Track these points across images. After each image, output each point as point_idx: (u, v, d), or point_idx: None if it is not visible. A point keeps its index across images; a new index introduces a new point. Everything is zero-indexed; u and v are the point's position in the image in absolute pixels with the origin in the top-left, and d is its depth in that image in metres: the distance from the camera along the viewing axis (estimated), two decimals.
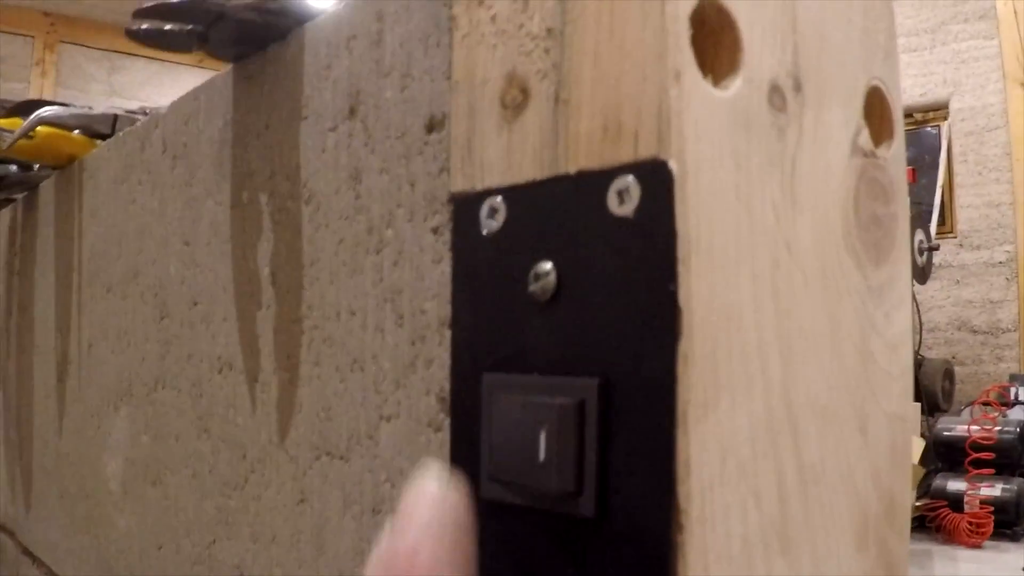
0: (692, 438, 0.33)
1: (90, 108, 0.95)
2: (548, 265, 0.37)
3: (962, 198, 4.02)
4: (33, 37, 5.69)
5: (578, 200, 0.37)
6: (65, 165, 0.97)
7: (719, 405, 0.35)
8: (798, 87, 0.41)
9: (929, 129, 3.73)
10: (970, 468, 3.08)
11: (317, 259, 0.52)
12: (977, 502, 3.03)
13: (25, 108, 0.99)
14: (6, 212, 1.20)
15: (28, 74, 5.62)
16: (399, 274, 0.46)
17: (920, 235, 3.33)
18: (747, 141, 0.38)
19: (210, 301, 0.63)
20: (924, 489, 3.11)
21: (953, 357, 3.88)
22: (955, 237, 4.03)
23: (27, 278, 1.09)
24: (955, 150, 3.99)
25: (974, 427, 3.16)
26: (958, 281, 4.00)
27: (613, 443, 0.35)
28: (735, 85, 0.37)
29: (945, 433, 3.24)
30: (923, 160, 3.75)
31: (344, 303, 0.50)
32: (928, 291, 3.93)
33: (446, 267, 0.43)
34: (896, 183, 0.49)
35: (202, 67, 4.92)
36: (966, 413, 3.34)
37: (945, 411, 3.48)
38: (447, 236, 0.43)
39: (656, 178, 0.35)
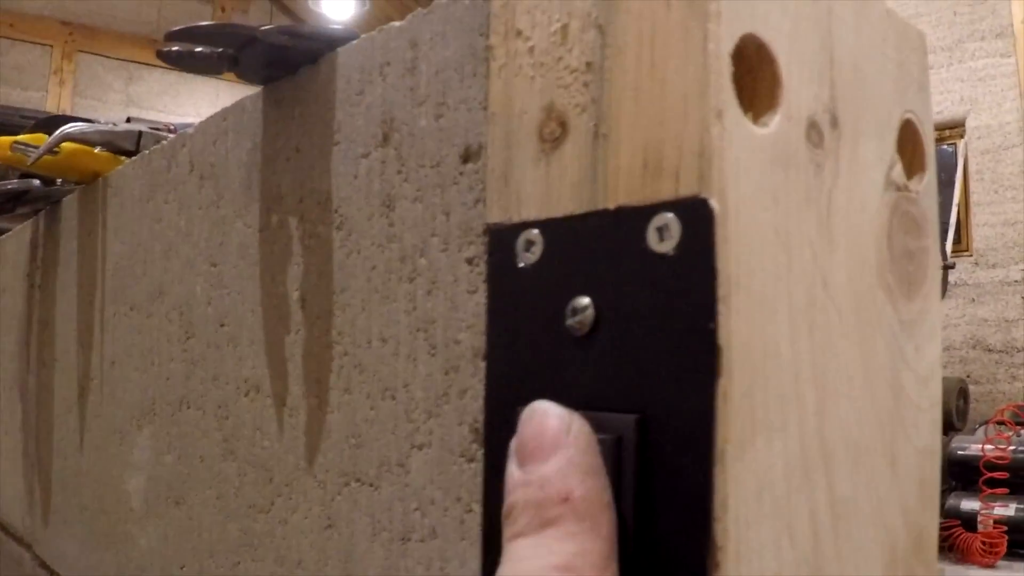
0: (729, 476, 0.33)
1: (114, 124, 0.96)
2: (586, 300, 0.37)
3: (978, 216, 4.01)
4: (51, 46, 5.72)
5: (617, 235, 0.37)
6: (89, 181, 0.97)
7: (756, 442, 0.35)
8: (835, 122, 0.41)
9: (945, 147, 3.72)
10: (984, 487, 3.07)
11: (348, 285, 0.52)
12: (991, 522, 3.02)
13: (49, 124, 1.00)
14: (27, 226, 1.21)
15: (46, 83, 5.65)
16: (432, 303, 0.46)
17: None
18: (785, 178, 0.38)
19: (237, 323, 0.63)
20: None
21: (968, 376, 3.87)
22: (971, 255, 4.02)
23: (48, 292, 1.09)
24: (971, 168, 3.98)
25: (988, 446, 3.15)
26: (973, 300, 3.99)
27: (650, 480, 0.35)
28: (774, 121, 0.38)
29: (959, 452, 3.23)
30: (939, 178, 3.75)
31: (376, 330, 0.50)
32: (943, 309, 3.92)
33: (481, 298, 0.43)
34: (928, 216, 0.49)
35: (219, 78, 4.94)
36: (980, 432, 3.33)
37: (959, 430, 3.46)
38: (482, 267, 0.43)
39: (697, 216, 0.35)
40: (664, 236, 0.35)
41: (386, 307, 0.49)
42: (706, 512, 0.34)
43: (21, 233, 1.23)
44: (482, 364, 0.42)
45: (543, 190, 0.40)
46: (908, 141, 0.47)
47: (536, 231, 0.40)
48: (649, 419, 0.35)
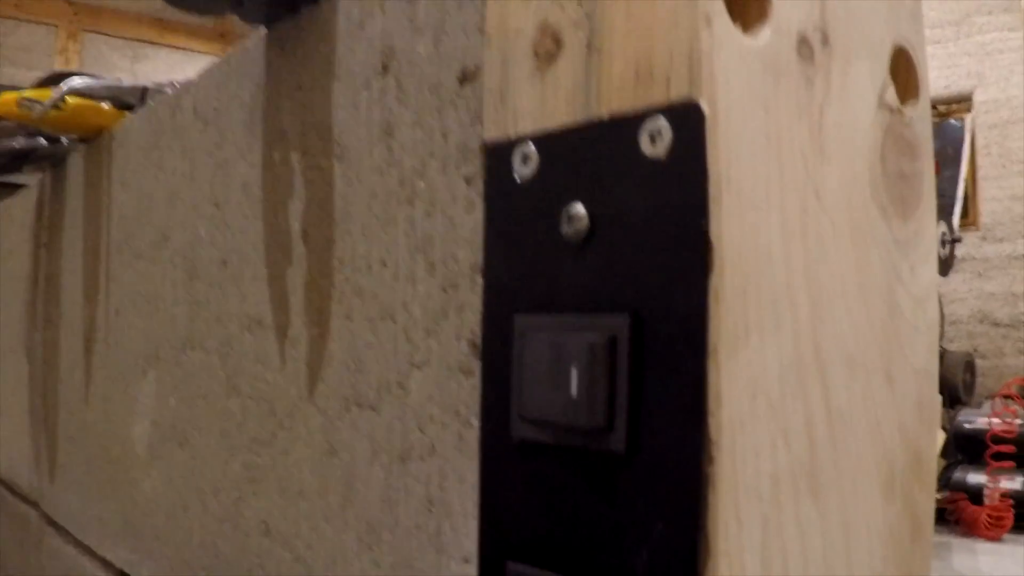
0: (723, 372, 0.34)
1: (120, 80, 0.96)
2: (581, 208, 0.38)
3: (985, 191, 3.99)
4: (56, 26, 5.71)
5: (610, 144, 0.38)
6: (94, 137, 0.98)
7: (749, 342, 0.35)
8: (825, 40, 0.42)
9: (953, 121, 3.70)
10: (990, 461, 3.06)
11: (349, 214, 0.53)
12: (997, 495, 3.02)
13: (55, 79, 1.00)
14: (33, 187, 1.21)
15: (51, 63, 5.64)
16: (431, 224, 0.47)
17: (943, 227, 3.32)
18: (776, 88, 0.38)
19: (240, 261, 0.64)
20: (944, 481, 3.09)
21: (975, 350, 3.86)
22: (978, 230, 4.00)
23: (55, 251, 1.10)
24: (979, 143, 3.97)
25: (995, 420, 3.14)
26: (980, 274, 3.98)
27: (644, 378, 0.36)
28: (764, 34, 0.38)
29: (966, 426, 3.22)
30: (946, 152, 3.73)
31: (376, 255, 0.50)
32: (950, 284, 3.90)
33: (479, 215, 0.43)
34: (922, 141, 0.49)
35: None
36: (987, 406, 3.32)
37: (966, 404, 3.46)
38: (479, 185, 0.44)
39: (688, 119, 0.35)
40: (656, 140, 0.36)
41: (386, 231, 0.50)
42: (700, 408, 0.34)
43: (27, 195, 1.24)
44: (480, 279, 0.43)
45: (538, 105, 0.41)
46: (901, 67, 0.47)
47: (532, 145, 0.41)
48: (643, 319, 0.36)
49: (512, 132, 0.41)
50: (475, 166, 0.44)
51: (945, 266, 3.53)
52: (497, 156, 0.42)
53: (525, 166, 0.41)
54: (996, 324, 3.95)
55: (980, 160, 3.96)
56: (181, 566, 0.73)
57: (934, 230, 0.50)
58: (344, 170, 0.53)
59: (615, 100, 0.37)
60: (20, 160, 1.11)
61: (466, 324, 0.44)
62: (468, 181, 0.45)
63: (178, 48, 5.61)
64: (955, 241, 3.42)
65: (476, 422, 0.43)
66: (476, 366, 0.43)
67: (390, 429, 0.49)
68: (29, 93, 0.98)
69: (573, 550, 0.38)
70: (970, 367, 3.52)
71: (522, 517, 0.40)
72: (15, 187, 1.30)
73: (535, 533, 0.40)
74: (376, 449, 0.50)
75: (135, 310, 0.82)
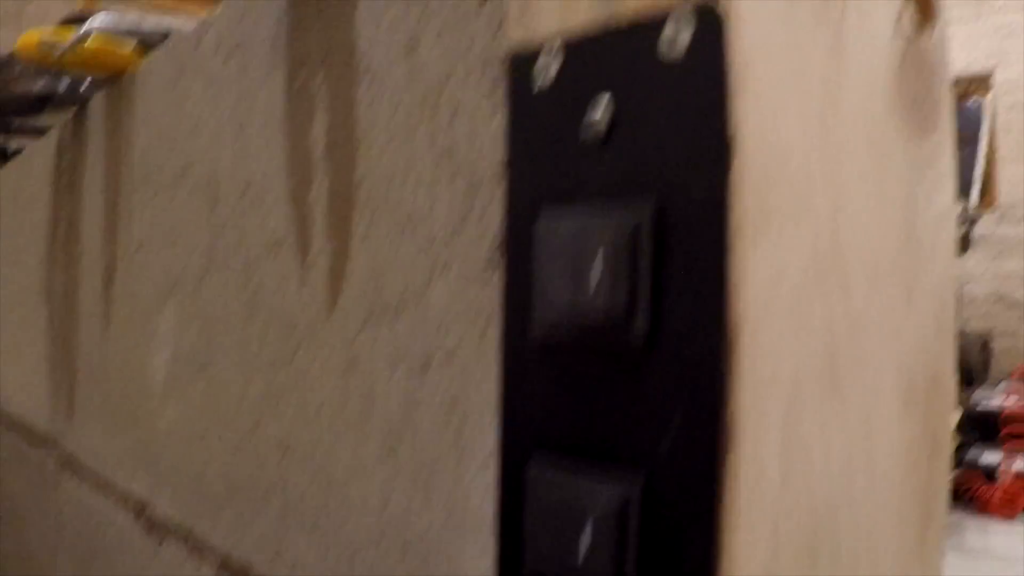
0: (745, 259, 0.35)
1: (143, 19, 0.97)
2: (601, 109, 0.38)
3: (1004, 171, 3.98)
4: None
5: (630, 46, 0.38)
6: (116, 78, 0.98)
7: (770, 232, 0.36)
8: None
9: (972, 102, 3.69)
10: (1005, 441, 3.07)
11: (372, 130, 0.53)
12: (1011, 475, 3.02)
13: (77, 19, 1.01)
14: (54, 132, 1.22)
15: None
16: (454, 133, 0.47)
17: (960, 206, 3.31)
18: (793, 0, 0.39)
19: (262, 185, 0.64)
20: (958, 461, 3.10)
21: (990, 330, 3.86)
22: (996, 210, 3.99)
23: (75, 193, 1.10)
24: (998, 123, 3.95)
25: (1010, 400, 3.15)
26: (997, 255, 3.98)
27: (666, 266, 0.36)
28: None
29: (980, 405, 3.23)
30: (965, 133, 3.72)
31: (399, 167, 0.51)
32: (967, 264, 3.90)
33: (501, 120, 0.44)
34: (938, 68, 0.49)
35: None
36: (1002, 386, 3.32)
37: (981, 384, 3.46)
38: (502, 91, 0.44)
39: (706, 20, 0.36)
40: (675, 42, 0.36)
41: (409, 143, 0.50)
42: (722, 295, 0.35)
43: (47, 141, 1.25)
44: (502, 183, 0.44)
45: (559, 10, 0.41)
46: None
47: (553, 49, 0.41)
48: (665, 210, 0.36)
49: (534, 36, 0.42)
50: (497, 73, 0.45)
51: (962, 245, 3.52)
52: (519, 61, 0.43)
53: (547, 69, 0.41)
54: (1013, 305, 3.94)
55: (999, 140, 3.95)
56: (200, 491, 0.74)
57: (950, 160, 0.50)
58: (367, 88, 0.54)
59: (634, 3, 0.38)
60: (42, 103, 1.12)
61: (489, 228, 0.45)
62: (491, 88, 0.45)
63: (197, 14, 5.59)
64: (972, 221, 3.42)
65: (497, 325, 0.44)
66: (498, 268, 0.44)
67: (411, 338, 0.49)
68: (50, 33, 0.98)
69: (593, 444, 0.39)
70: (986, 347, 3.52)
71: (543, 415, 0.41)
72: (38, 131, 1.30)
73: (555, 431, 0.40)
74: (396, 359, 0.50)
75: (155, 244, 0.83)
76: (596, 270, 0.37)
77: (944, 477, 0.48)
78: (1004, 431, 3.08)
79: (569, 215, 0.39)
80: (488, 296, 0.44)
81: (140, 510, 0.88)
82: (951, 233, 0.49)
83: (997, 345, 3.77)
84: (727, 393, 0.35)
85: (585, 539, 0.38)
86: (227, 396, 0.68)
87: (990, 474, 3.08)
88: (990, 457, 3.10)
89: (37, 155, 1.29)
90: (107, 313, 0.96)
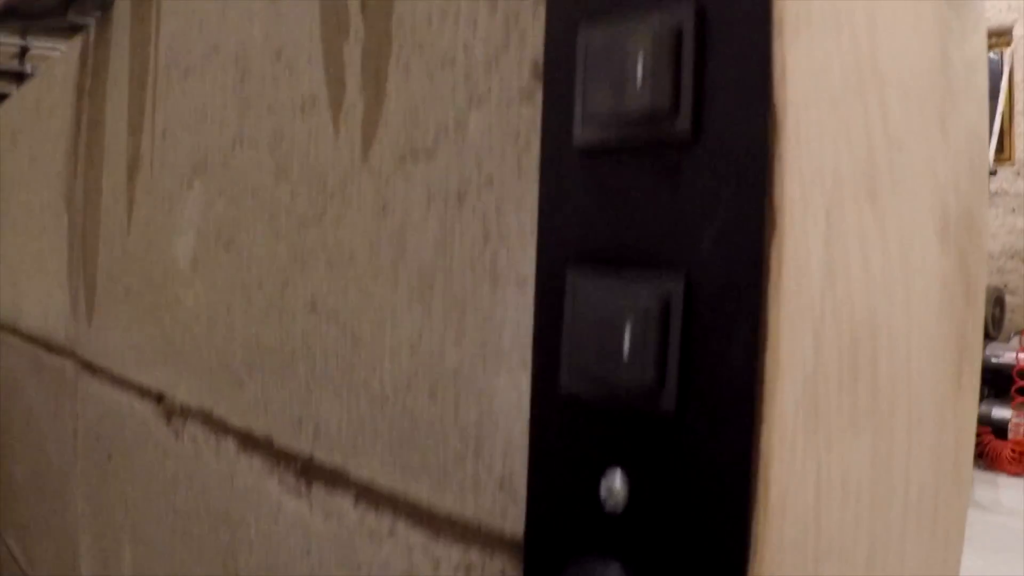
0: (786, 51, 0.34)
1: None
2: None
3: (1022, 126, 3.95)
4: None
5: None
6: None
7: (811, 29, 0.35)
8: None
9: (991, 55, 3.66)
10: (1016, 396, 3.07)
11: None
12: (1022, 430, 3.02)
13: None
14: (77, 38, 1.22)
15: None
16: None
17: None
18: None
19: (295, 49, 0.64)
20: None
21: (1005, 286, 3.85)
22: (1013, 165, 3.97)
23: (98, 96, 1.10)
24: (1017, 77, 3.92)
25: (1023, 355, 3.14)
26: (1014, 210, 3.96)
27: (709, 60, 0.36)
28: None
29: (993, 360, 3.22)
30: None
31: (436, 8, 0.50)
32: None
33: None
34: None
35: None
36: (1015, 341, 3.32)
37: (994, 339, 3.46)
38: None
39: None
40: None
41: None
42: (765, 83, 0.34)
43: (70, 51, 1.24)
44: (542, 4, 0.43)
45: None
46: None
47: None
48: (705, 8, 0.36)
49: None
50: None
51: None
52: None
53: None
54: None
55: (1018, 95, 3.92)
56: (221, 371, 0.74)
57: (982, 11, 0.50)
58: None
59: None
60: (67, 4, 1.11)
61: (528, 51, 0.44)
62: None
63: None
64: (990, 174, 3.40)
65: (536, 145, 0.43)
66: (537, 89, 0.43)
67: (447, 172, 0.49)
68: None
69: (634, 250, 0.38)
70: (1000, 302, 3.51)
71: (582, 228, 0.41)
72: (65, 29, 1.30)
73: (594, 243, 0.40)
74: (431, 196, 0.50)
75: (181, 127, 0.83)
76: (640, 68, 0.37)
77: (978, 328, 0.48)
78: (1016, 386, 3.08)
79: (609, 24, 0.39)
80: (528, 116, 0.44)
81: (159, 400, 0.88)
82: (983, 79, 0.49)
83: (1011, 301, 3.76)
84: (772, 180, 0.34)
85: (626, 343, 0.38)
86: (255, 264, 0.68)
87: (1001, 429, 3.07)
88: (1001, 412, 3.10)
89: (60, 64, 1.29)
90: (130, 206, 0.95)
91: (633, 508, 0.38)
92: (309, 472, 0.62)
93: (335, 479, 0.59)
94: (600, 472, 0.39)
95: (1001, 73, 3.57)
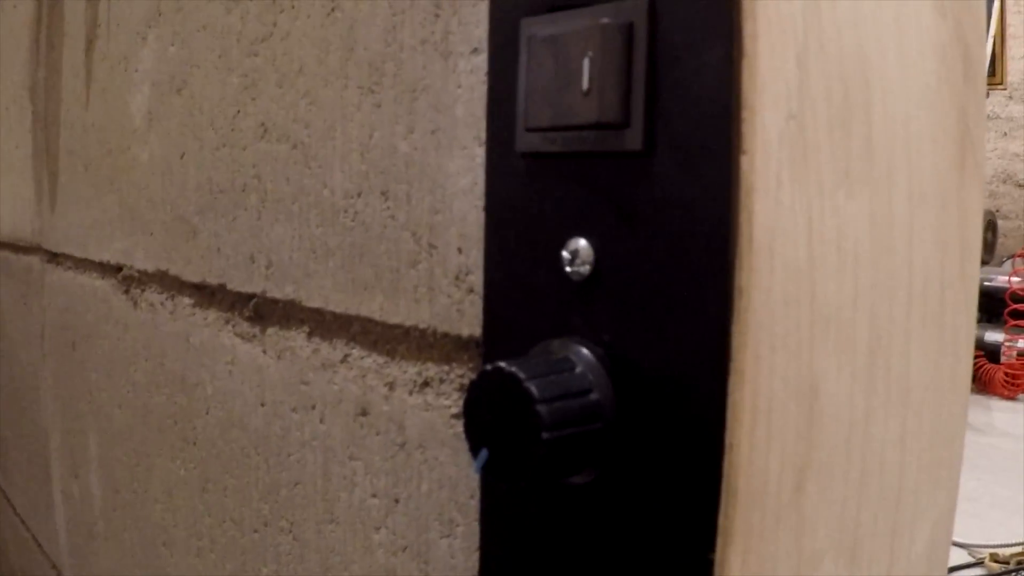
0: None
1: None
2: None
3: (1013, 49, 3.89)
4: None
5: None
6: None
7: None
8: None
9: None
10: (1009, 319, 3.03)
11: None
12: (1014, 353, 2.99)
13: None
14: None
15: None
16: None
17: None
18: None
19: None
20: None
21: (997, 210, 3.80)
22: (1004, 89, 3.91)
23: None
24: (1008, 1, 3.85)
25: (1015, 279, 3.11)
26: (1005, 134, 3.90)
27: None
28: None
29: (985, 283, 3.18)
30: None
31: None
32: None
33: None
34: None
35: None
36: (1007, 265, 3.28)
37: (986, 263, 3.42)
38: None
39: None
40: None
41: None
42: None
43: None
44: None
45: None
46: None
47: None
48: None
49: None
50: None
51: None
52: None
53: None
54: (1020, 184, 3.88)
55: (1010, 18, 3.85)
56: (176, 224, 0.70)
57: None
58: None
59: None
60: None
61: None
62: None
63: None
64: None
65: None
66: None
67: None
68: None
69: None
70: (992, 226, 3.47)
71: None
72: None
73: None
74: None
75: None
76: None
77: (980, 114, 0.43)
78: (1009, 310, 3.04)
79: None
80: None
81: (117, 272, 0.84)
82: None
83: (1003, 225, 3.72)
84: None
85: (584, 78, 0.33)
86: (207, 102, 0.64)
87: (993, 353, 3.04)
88: (994, 336, 3.07)
89: None
90: (88, 76, 0.91)
91: (600, 272, 0.34)
92: (262, 312, 0.58)
93: (288, 315, 0.55)
94: (563, 237, 0.35)
95: None
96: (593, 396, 0.32)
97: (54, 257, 1.08)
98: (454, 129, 0.41)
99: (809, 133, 0.32)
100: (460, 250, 0.41)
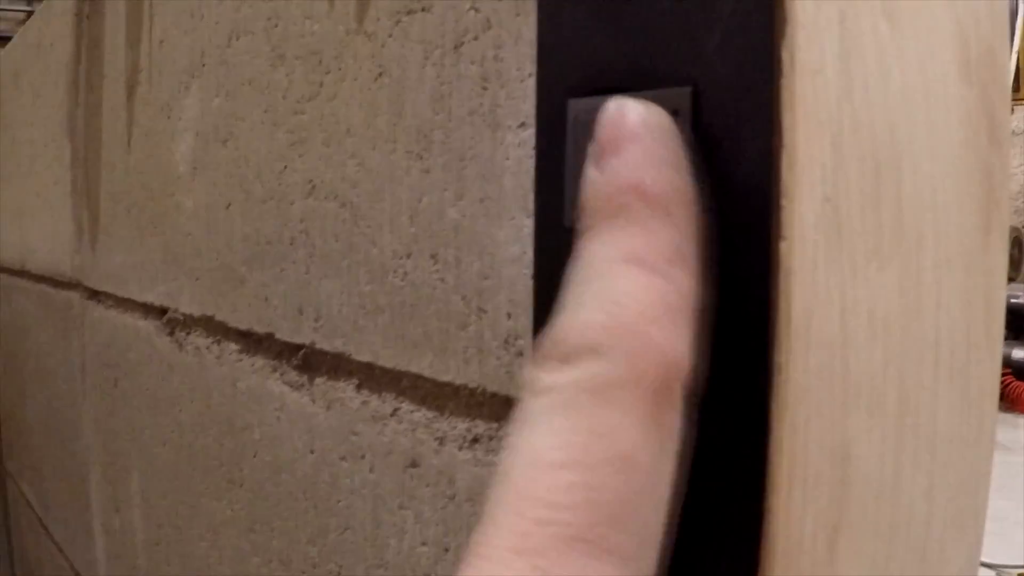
0: None
1: None
2: None
3: None
4: None
5: None
6: None
7: None
8: None
9: None
10: None
11: None
12: None
13: None
14: None
15: None
16: None
17: None
18: None
19: None
20: None
21: (1022, 226, 3.80)
22: (1021, 103, 3.91)
23: (97, 18, 1.08)
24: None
25: None
26: None
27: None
28: None
29: (1011, 301, 3.18)
30: None
31: None
32: None
33: None
34: None
35: None
36: None
37: (1012, 279, 3.42)
38: None
39: None
40: None
41: None
42: None
43: None
44: None
45: None
46: None
47: None
48: None
49: None
50: None
51: None
52: None
53: None
54: None
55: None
56: (222, 272, 0.72)
57: None
58: None
59: None
60: None
61: None
62: None
63: None
64: None
65: None
66: None
67: (443, 22, 0.46)
68: None
69: (636, 68, 0.36)
70: (1017, 242, 3.47)
71: (582, 54, 0.38)
72: None
73: (596, 67, 0.38)
74: (427, 50, 0.48)
75: (179, 31, 0.80)
76: None
77: (1004, 173, 0.45)
78: None
79: None
80: None
81: (161, 313, 0.86)
82: None
83: None
84: None
85: None
86: (253, 154, 0.66)
87: (1020, 371, 3.05)
88: (1021, 353, 3.07)
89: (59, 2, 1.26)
90: (129, 120, 0.93)
91: None
92: (311, 363, 0.60)
93: (337, 366, 0.57)
94: None
95: (1017, 12, 3.51)
96: None
97: (95, 295, 1.11)
98: (502, 199, 0.43)
99: (843, 213, 0.34)
100: (509, 315, 0.43)
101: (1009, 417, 2.94)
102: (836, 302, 0.34)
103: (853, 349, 0.35)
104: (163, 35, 0.84)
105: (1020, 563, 1.80)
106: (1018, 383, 3.00)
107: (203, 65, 0.75)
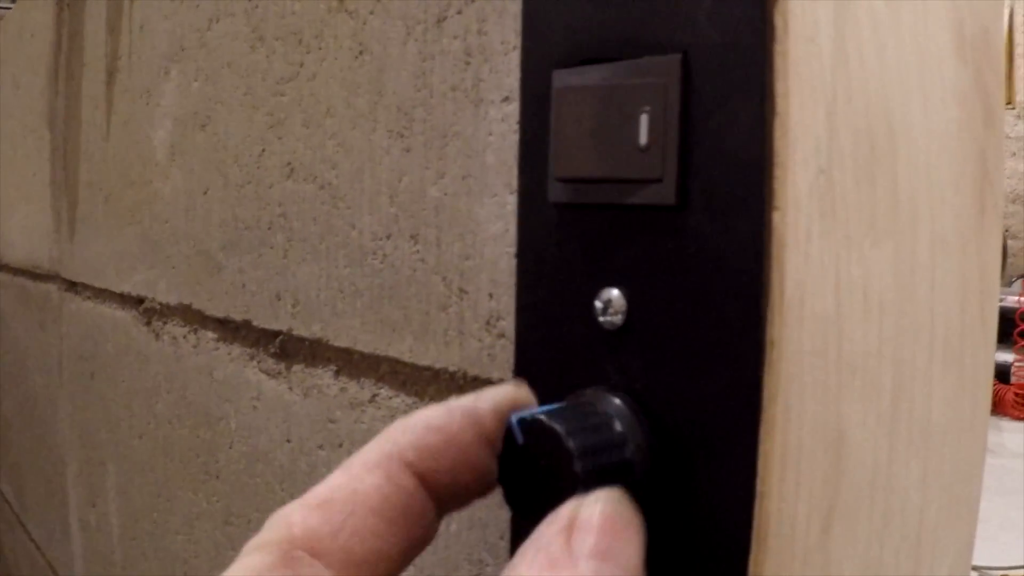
0: None
1: None
2: None
3: (1023, 68, 3.89)
4: None
5: None
6: None
7: None
8: None
9: None
10: (1019, 340, 3.04)
11: None
12: None
13: None
14: None
15: None
16: None
17: None
18: None
19: None
20: None
21: (1007, 230, 3.80)
22: (1013, 108, 3.92)
23: (78, 4, 1.06)
24: (1017, 20, 3.86)
25: None
26: (1014, 154, 3.91)
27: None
28: None
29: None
30: None
31: None
32: None
33: None
34: None
35: None
36: (1017, 285, 3.28)
37: None
38: None
39: None
40: None
41: None
42: None
43: None
44: None
45: None
46: None
47: None
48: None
49: None
50: None
51: None
52: None
53: None
54: None
55: (1018, 38, 3.86)
56: (199, 259, 0.71)
57: None
58: None
59: None
60: None
61: None
62: None
63: None
64: None
65: None
66: None
67: None
68: None
69: (623, 38, 0.35)
70: (1003, 246, 3.48)
71: (567, 25, 0.37)
72: None
73: (583, 38, 0.36)
74: (409, 26, 0.46)
75: (159, 14, 0.79)
76: None
77: (999, 156, 0.44)
78: (1019, 330, 3.04)
79: None
80: None
81: (138, 303, 0.85)
82: None
83: (1012, 245, 3.72)
84: None
85: (644, 128, 0.34)
86: (231, 138, 0.65)
87: (1003, 374, 3.05)
88: (1004, 356, 3.07)
89: None
90: (108, 108, 0.92)
91: (633, 323, 0.34)
92: (288, 350, 0.58)
93: (314, 353, 0.55)
94: (596, 286, 0.35)
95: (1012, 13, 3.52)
96: (628, 450, 0.33)
97: (72, 286, 1.09)
98: (485, 176, 0.42)
99: (837, 186, 0.33)
100: (491, 295, 0.42)
101: (992, 420, 2.95)
102: (830, 277, 0.33)
103: (847, 327, 0.34)
104: (143, 20, 0.83)
105: (1004, 565, 1.79)
106: (1001, 386, 3.00)
107: (183, 49, 0.73)
